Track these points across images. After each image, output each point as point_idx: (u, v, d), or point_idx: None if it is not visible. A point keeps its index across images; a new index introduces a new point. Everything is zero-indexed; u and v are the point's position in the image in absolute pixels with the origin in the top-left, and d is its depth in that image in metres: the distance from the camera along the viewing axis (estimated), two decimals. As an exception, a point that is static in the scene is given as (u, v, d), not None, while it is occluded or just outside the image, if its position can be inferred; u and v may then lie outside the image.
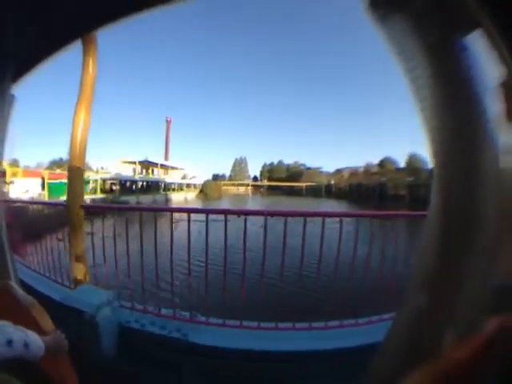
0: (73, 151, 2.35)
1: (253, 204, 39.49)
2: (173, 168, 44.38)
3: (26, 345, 0.69)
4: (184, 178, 53.51)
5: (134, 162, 36.81)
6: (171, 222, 2.02)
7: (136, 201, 28.21)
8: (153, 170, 39.76)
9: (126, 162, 37.99)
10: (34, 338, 0.74)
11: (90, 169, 41.60)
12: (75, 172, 2.38)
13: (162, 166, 40.88)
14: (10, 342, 0.66)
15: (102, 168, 40.06)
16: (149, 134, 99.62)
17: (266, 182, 70.52)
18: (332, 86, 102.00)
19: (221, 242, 1.85)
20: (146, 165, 38.18)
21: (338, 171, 62.72)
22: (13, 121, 1.55)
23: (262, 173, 75.98)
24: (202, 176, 59.47)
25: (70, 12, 1.05)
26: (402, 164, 51.75)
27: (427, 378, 0.41)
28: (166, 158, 59.04)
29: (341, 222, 1.80)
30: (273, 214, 1.82)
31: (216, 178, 72.14)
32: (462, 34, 0.54)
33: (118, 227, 2.27)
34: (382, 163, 55.71)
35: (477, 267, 0.50)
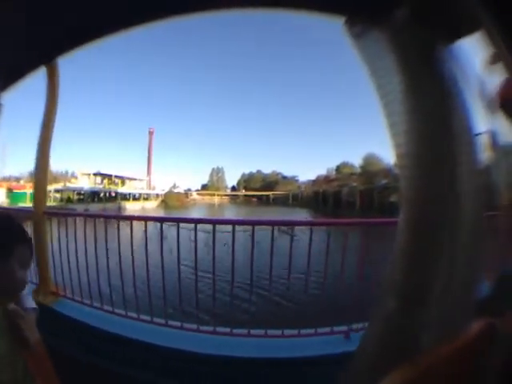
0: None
1: (208, 213, 40.28)
2: (131, 179, 46.84)
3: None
4: (174, 187, 57.04)
5: (89, 174, 39.56)
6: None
7: (84, 209, 30.39)
8: (112, 181, 42.31)
9: (84, 174, 40.93)
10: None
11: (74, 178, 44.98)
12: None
13: (117, 177, 43.32)
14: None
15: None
16: (132, 145, 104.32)
17: (237, 192, 71.71)
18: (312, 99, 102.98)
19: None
20: (103, 176, 40.79)
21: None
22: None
23: (239, 182, 77.36)
24: (189, 186, 62.25)
25: (57, 27, 0.99)
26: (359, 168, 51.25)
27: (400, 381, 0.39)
28: (149, 170, 62.10)
29: (253, 229, 1.77)
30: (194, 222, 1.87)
31: (205, 187, 74.87)
32: (439, 47, 0.54)
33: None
34: (339, 168, 55.59)
35: (452, 271, 0.49)
